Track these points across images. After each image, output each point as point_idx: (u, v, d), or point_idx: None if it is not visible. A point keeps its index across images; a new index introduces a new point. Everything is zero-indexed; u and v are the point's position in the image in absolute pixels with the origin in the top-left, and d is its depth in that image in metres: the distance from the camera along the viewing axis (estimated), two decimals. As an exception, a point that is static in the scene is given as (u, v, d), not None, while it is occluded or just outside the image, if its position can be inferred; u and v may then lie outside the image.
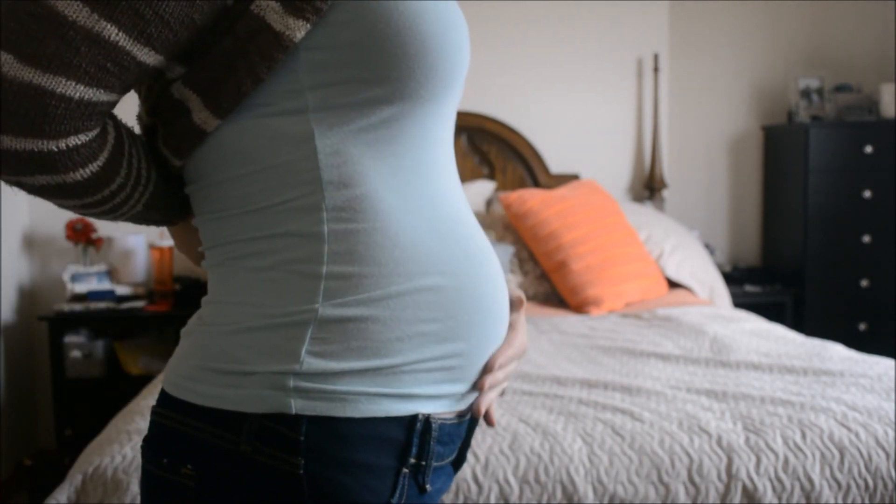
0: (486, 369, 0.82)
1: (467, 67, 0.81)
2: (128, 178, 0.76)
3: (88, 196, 0.73)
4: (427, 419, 0.76)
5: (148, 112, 0.81)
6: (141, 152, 0.78)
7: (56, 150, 0.67)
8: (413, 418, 0.76)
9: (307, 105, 0.73)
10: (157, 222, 0.87)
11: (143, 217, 0.84)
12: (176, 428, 0.76)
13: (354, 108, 0.73)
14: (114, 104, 0.70)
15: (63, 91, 0.64)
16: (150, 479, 0.79)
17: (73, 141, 0.68)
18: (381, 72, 0.72)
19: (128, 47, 0.66)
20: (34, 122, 0.65)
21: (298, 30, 0.70)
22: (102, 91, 0.67)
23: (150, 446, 0.79)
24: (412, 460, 0.76)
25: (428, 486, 0.79)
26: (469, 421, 0.86)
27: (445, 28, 0.74)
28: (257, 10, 0.70)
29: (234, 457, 0.72)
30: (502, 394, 0.88)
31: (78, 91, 0.65)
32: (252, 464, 0.72)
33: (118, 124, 0.76)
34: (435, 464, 0.79)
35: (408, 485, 0.76)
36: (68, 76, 0.64)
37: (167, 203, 0.83)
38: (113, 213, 0.79)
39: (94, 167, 0.71)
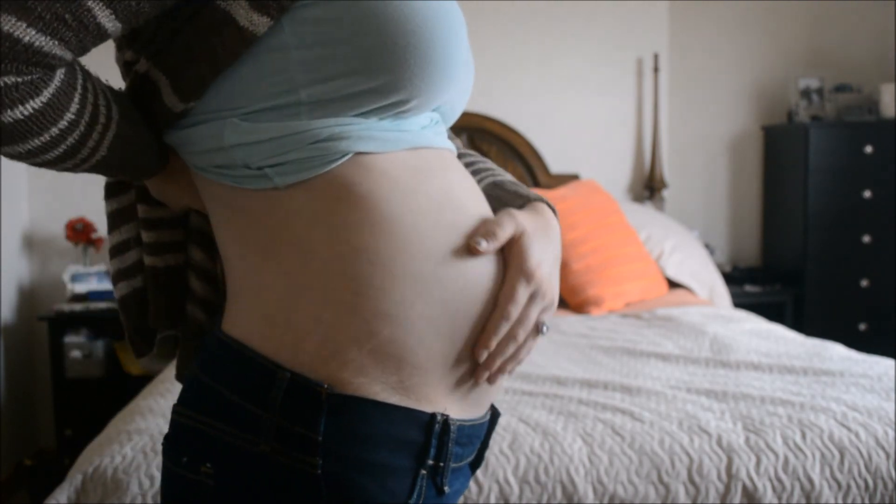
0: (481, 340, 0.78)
1: (466, 61, 0.80)
2: (80, 114, 0.70)
3: (34, 138, 0.68)
4: (445, 420, 0.77)
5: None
6: (98, 88, 0.73)
7: None
8: (431, 419, 0.76)
9: (300, 100, 0.73)
10: (133, 173, 0.81)
11: (115, 166, 0.77)
12: (196, 427, 0.76)
13: (347, 100, 0.73)
14: (64, 62, 0.67)
15: (10, 30, 0.62)
16: (169, 477, 0.79)
17: (12, 79, 0.64)
18: (374, 64, 0.72)
19: (90, 3, 0.65)
20: None
21: (262, 26, 0.71)
22: (55, 43, 0.64)
23: (171, 444, 0.80)
24: (430, 461, 0.76)
25: (446, 488, 0.79)
26: (488, 422, 0.86)
27: (435, 18, 0.74)
28: (224, 5, 0.71)
29: (252, 457, 0.73)
30: (538, 332, 0.80)
31: (28, 35, 0.63)
32: (270, 464, 0.73)
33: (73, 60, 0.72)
34: (453, 465, 0.79)
35: (426, 486, 0.77)
36: (20, 17, 0.62)
37: (138, 148, 0.78)
38: (72, 160, 0.72)
39: (36, 103, 0.66)
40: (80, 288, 3.29)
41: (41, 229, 3.50)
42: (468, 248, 0.76)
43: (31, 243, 3.50)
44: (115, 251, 0.91)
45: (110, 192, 0.91)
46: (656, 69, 3.88)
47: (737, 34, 4.01)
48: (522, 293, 0.77)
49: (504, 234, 0.77)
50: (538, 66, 3.83)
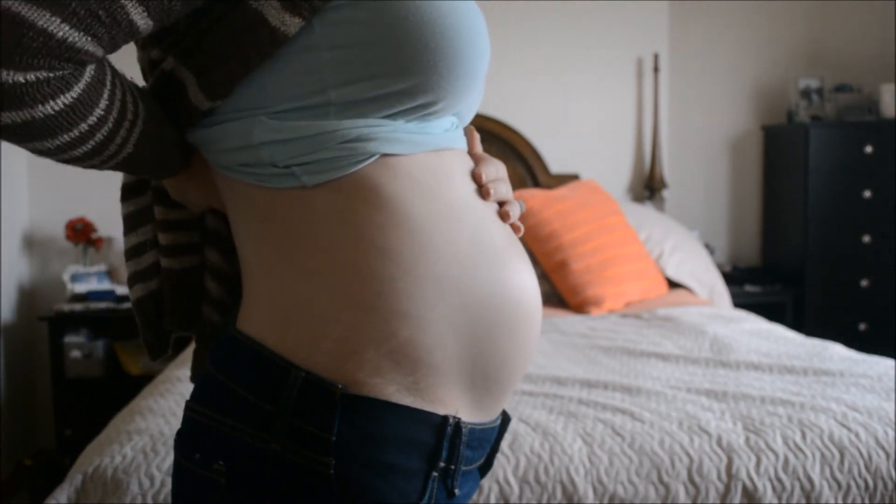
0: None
1: (488, 62, 0.81)
2: (109, 110, 0.70)
3: (63, 133, 0.68)
4: (457, 423, 0.77)
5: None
6: (125, 84, 0.73)
7: (23, 80, 0.63)
8: (443, 422, 0.76)
9: (329, 100, 0.73)
10: (157, 171, 0.82)
11: (140, 163, 0.77)
12: (209, 424, 0.76)
13: (376, 102, 0.74)
14: (95, 58, 0.67)
15: (45, 26, 0.62)
16: (181, 473, 0.80)
17: (44, 74, 0.64)
18: (404, 66, 0.73)
19: (123, 1, 0.65)
20: (3, 50, 0.61)
21: (294, 26, 0.71)
22: (87, 39, 0.64)
23: (183, 440, 0.80)
24: (442, 464, 0.77)
25: (456, 490, 0.79)
26: (499, 426, 0.86)
27: (463, 20, 0.75)
28: (255, 5, 0.72)
29: (265, 455, 0.73)
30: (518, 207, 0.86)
31: (61, 30, 0.63)
32: (283, 462, 0.73)
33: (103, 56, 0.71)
34: (463, 468, 0.80)
35: (436, 488, 0.77)
36: (54, 12, 0.62)
37: (163, 145, 0.78)
38: (99, 156, 0.72)
39: (67, 98, 0.66)
40: (80, 288, 3.29)
41: (41, 229, 3.50)
42: (474, 177, 0.82)
43: (31, 243, 3.50)
44: (132, 253, 0.91)
45: (127, 195, 0.91)
46: (656, 69, 3.88)
47: (737, 34, 4.01)
48: (493, 168, 0.84)
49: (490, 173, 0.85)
50: (538, 66, 3.83)
